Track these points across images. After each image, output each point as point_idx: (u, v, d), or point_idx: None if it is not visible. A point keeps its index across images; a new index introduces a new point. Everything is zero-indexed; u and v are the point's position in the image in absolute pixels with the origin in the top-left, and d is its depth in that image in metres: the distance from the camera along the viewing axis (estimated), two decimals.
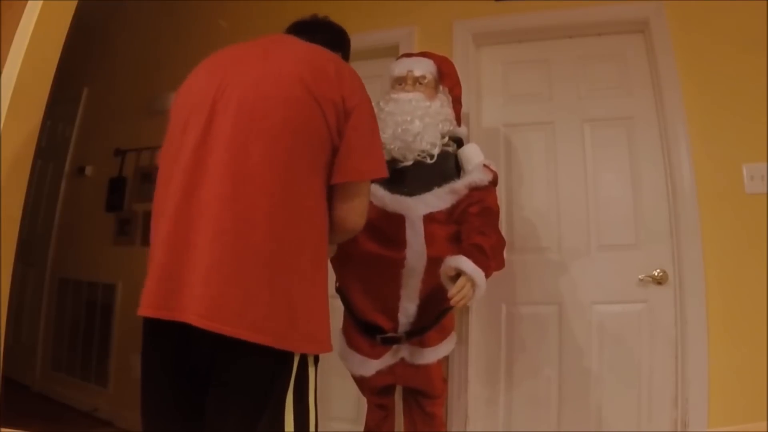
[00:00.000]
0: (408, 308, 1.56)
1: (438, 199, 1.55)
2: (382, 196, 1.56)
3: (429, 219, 1.53)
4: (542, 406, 2.01)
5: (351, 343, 1.65)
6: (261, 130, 0.99)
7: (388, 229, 1.53)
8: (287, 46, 1.14)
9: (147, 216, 2.80)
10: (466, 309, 2.06)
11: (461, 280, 1.37)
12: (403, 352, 1.63)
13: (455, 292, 1.36)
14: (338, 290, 1.69)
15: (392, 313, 1.57)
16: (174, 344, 1.00)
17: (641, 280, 1.96)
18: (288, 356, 0.98)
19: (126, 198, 2.93)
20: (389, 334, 1.59)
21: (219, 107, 1.02)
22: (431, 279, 1.50)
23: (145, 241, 2.78)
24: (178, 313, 0.95)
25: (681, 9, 2.02)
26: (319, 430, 1.05)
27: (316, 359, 1.06)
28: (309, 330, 1.01)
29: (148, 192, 2.81)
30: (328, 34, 1.29)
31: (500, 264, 1.53)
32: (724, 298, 1.83)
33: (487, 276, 1.40)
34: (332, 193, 1.08)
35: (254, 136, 0.99)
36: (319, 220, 1.05)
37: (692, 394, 1.81)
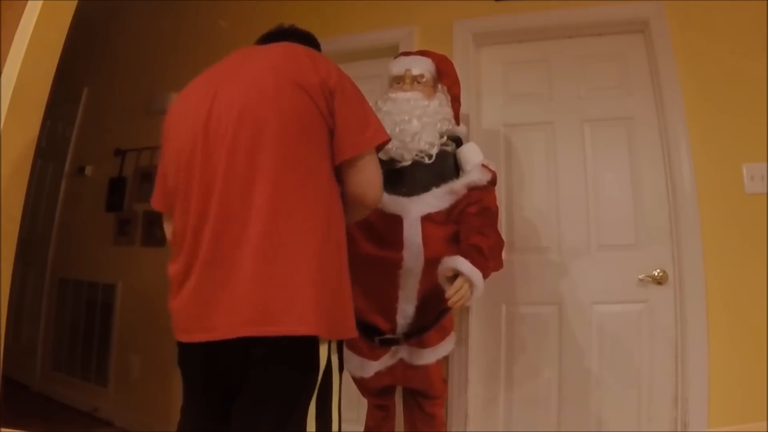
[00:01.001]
0: (406, 309, 1.56)
1: (436, 200, 1.55)
2: None
3: (427, 219, 1.52)
4: (542, 407, 2.01)
5: (350, 345, 1.64)
6: (259, 135, 1.01)
7: (385, 229, 1.53)
8: (258, 52, 1.17)
9: (147, 216, 2.81)
10: (466, 309, 2.06)
11: (459, 281, 1.36)
12: (402, 352, 1.63)
13: (453, 292, 1.35)
14: None
15: (390, 314, 1.57)
16: (204, 355, 1.04)
17: (641, 280, 1.96)
18: (313, 364, 1.01)
19: (126, 198, 2.93)
20: (387, 336, 1.58)
21: (212, 127, 1.04)
22: (429, 280, 1.50)
23: (145, 241, 2.78)
24: (208, 333, 0.99)
25: (681, 9, 2.01)
26: None
27: (341, 368, 1.10)
28: (335, 315, 1.03)
29: (148, 192, 2.80)
30: (297, 39, 1.31)
31: (498, 264, 1.52)
32: (724, 298, 1.83)
33: (485, 276, 1.39)
34: (342, 173, 1.10)
35: (254, 142, 1.01)
36: (333, 204, 1.07)
37: (692, 394, 1.80)
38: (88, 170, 3.14)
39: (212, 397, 1.06)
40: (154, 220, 2.78)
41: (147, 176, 2.86)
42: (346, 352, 1.65)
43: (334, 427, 1.05)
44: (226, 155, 1.01)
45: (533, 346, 2.06)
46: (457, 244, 1.51)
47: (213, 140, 1.03)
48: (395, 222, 1.52)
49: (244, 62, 1.13)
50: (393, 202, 1.54)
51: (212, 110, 1.05)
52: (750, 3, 1.92)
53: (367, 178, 1.10)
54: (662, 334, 1.92)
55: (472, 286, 1.36)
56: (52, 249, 3.22)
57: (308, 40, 1.36)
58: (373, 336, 1.59)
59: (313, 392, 1.01)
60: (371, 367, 1.62)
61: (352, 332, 1.09)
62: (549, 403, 2.00)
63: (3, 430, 1.61)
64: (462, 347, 2.03)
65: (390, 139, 1.15)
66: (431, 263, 1.48)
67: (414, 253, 1.50)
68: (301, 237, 0.99)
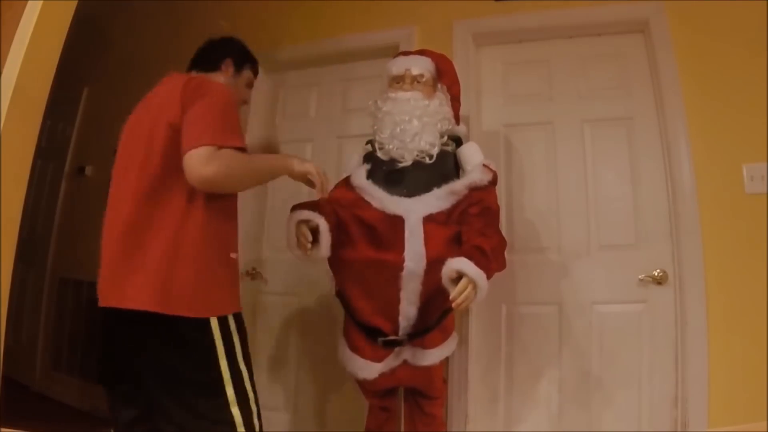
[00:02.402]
0: (408, 311, 1.54)
1: (438, 200, 1.55)
2: (380, 197, 1.55)
3: (428, 220, 1.52)
4: (542, 406, 2.01)
5: (352, 346, 1.64)
6: (136, 164, 1.31)
7: (387, 231, 1.53)
8: (163, 85, 1.44)
9: None
10: (466, 309, 2.06)
11: (463, 283, 1.35)
12: (406, 354, 1.62)
13: (457, 294, 1.34)
14: (337, 294, 1.68)
15: (392, 315, 1.55)
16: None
17: (641, 280, 1.96)
18: (202, 323, 1.23)
19: None
20: (391, 338, 1.57)
21: (121, 146, 1.42)
22: (431, 281, 1.49)
23: None
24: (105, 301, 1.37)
25: (681, 9, 2.02)
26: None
27: (239, 327, 1.30)
28: (192, 294, 1.24)
29: None
30: (205, 58, 1.57)
31: (501, 265, 1.52)
32: (724, 298, 1.83)
33: (488, 277, 1.39)
34: None
35: (129, 168, 1.33)
36: (187, 218, 1.28)
37: (692, 394, 1.80)
38: (88, 170, 3.14)
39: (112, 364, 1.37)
40: None
41: None
42: (348, 354, 1.64)
43: (246, 379, 1.25)
44: (118, 171, 1.39)
45: (533, 346, 2.06)
46: (458, 245, 1.51)
47: (119, 156, 1.40)
48: (397, 223, 1.52)
49: (152, 94, 1.45)
50: (394, 203, 1.54)
51: (125, 131, 1.42)
52: (750, 3, 1.92)
53: (191, 163, 1.21)
54: (662, 334, 1.92)
55: (476, 287, 1.36)
56: (52, 249, 3.21)
57: (218, 53, 1.56)
58: (375, 338, 1.58)
59: (211, 358, 1.21)
60: (374, 369, 1.59)
61: (227, 309, 1.28)
62: (549, 403, 2.01)
63: (3, 430, 1.61)
64: (462, 347, 2.03)
65: (241, 146, 1.26)
66: (433, 264, 1.47)
67: (416, 255, 1.49)
68: (157, 231, 1.27)
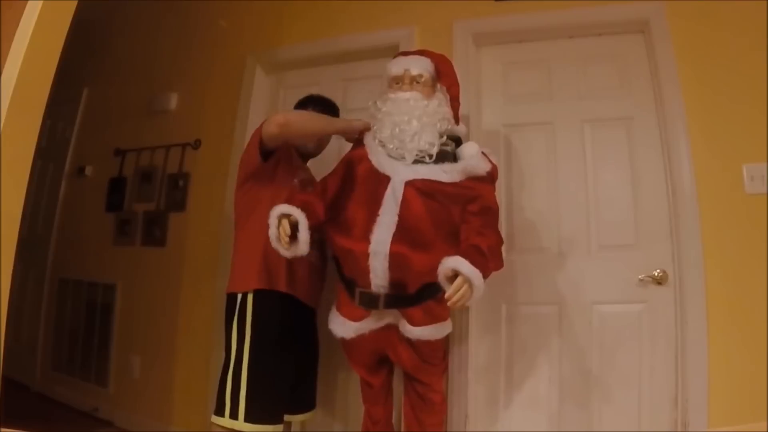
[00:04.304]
0: (377, 268, 1.52)
1: (428, 170, 1.56)
2: (377, 155, 1.59)
3: (411, 186, 1.54)
4: (542, 406, 2.01)
5: (338, 306, 1.68)
6: None
7: (370, 185, 1.57)
8: None
9: (147, 216, 2.81)
10: (466, 308, 2.06)
11: (459, 281, 1.35)
12: (389, 317, 1.63)
13: (453, 292, 1.34)
14: (333, 259, 1.72)
15: (364, 271, 1.54)
16: None
17: (641, 280, 1.96)
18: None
19: (126, 198, 2.93)
20: (365, 290, 1.56)
21: None
22: (400, 241, 1.50)
23: (145, 241, 2.78)
24: None
25: (681, 9, 2.02)
26: None
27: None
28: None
29: (148, 192, 2.83)
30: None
31: (499, 264, 1.52)
32: (724, 298, 1.83)
33: (485, 277, 1.38)
34: None
35: None
36: None
37: (692, 394, 1.80)
38: (88, 170, 3.14)
39: None
40: (154, 220, 2.78)
41: (147, 176, 2.86)
42: (332, 313, 1.69)
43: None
44: None
45: (533, 346, 2.06)
46: (438, 224, 1.53)
47: None
48: (382, 181, 1.57)
49: None
50: (386, 162, 1.58)
51: None
52: (750, 4, 1.92)
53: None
54: (662, 334, 1.92)
55: (472, 286, 1.35)
56: (52, 249, 3.22)
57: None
58: (353, 291, 1.60)
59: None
60: (351, 328, 1.62)
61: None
62: (549, 403, 2.01)
63: (3, 430, 1.61)
64: (462, 347, 2.03)
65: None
66: (404, 222, 1.50)
67: (389, 211, 1.53)
68: None
